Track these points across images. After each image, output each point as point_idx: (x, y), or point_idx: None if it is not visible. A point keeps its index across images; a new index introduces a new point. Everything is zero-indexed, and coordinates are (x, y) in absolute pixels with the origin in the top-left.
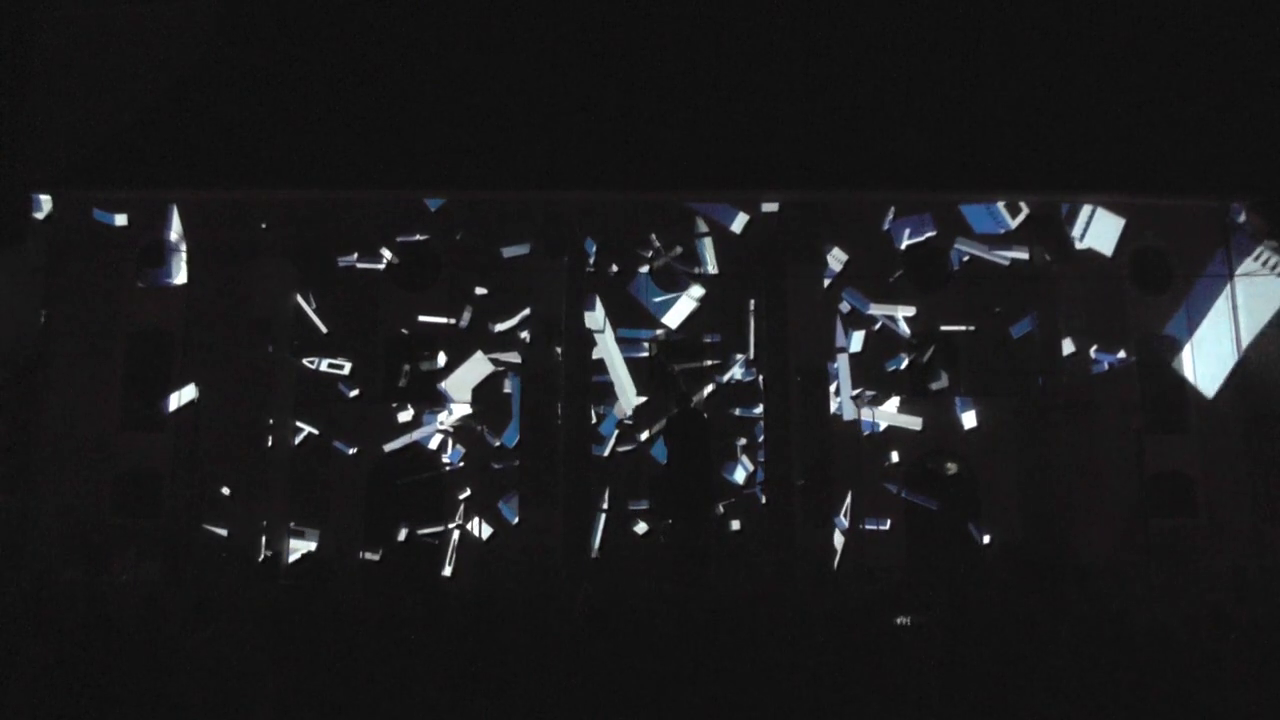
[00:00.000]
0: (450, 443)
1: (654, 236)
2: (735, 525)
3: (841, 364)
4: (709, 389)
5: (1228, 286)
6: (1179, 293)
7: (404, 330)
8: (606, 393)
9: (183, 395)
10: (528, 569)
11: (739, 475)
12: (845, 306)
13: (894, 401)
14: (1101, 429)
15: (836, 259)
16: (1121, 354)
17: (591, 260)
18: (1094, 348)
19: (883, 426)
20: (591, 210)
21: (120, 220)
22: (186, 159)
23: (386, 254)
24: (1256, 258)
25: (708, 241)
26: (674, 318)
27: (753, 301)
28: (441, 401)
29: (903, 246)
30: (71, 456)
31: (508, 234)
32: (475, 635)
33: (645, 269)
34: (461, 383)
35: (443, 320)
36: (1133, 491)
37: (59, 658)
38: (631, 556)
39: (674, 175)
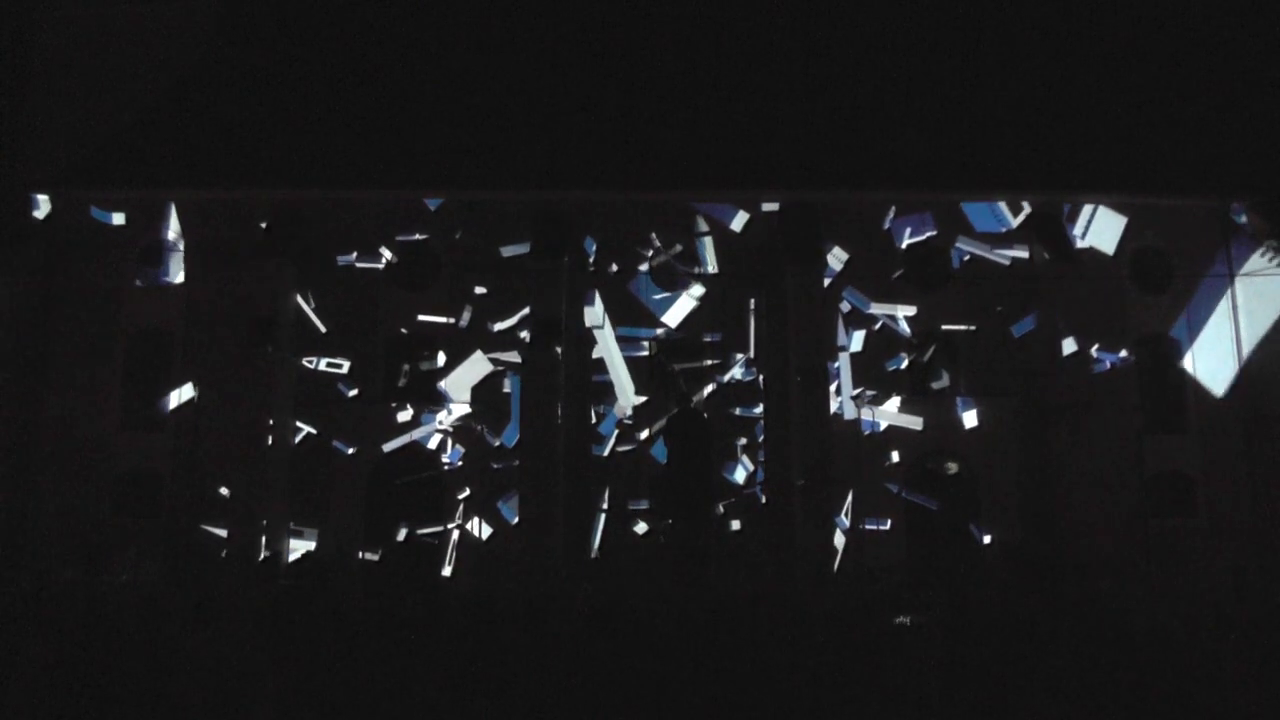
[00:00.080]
0: (450, 442)
1: (654, 236)
2: (735, 525)
3: (843, 363)
4: (709, 389)
5: (1229, 286)
6: (1179, 293)
7: (403, 330)
8: (606, 392)
9: (181, 395)
10: (528, 569)
11: (739, 475)
12: (845, 306)
13: (895, 401)
14: (1101, 429)
15: (837, 258)
16: (1123, 353)
17: (591, 260)
18: (1095, 347)
19: (883, 426)
20: (591, 210)
21: (118, 219)
22: (186, 159)
23: (386, 253)
24: (1263, 254)
25: (708, 240)
26: (674, 316)
27: (753, 301)
28: (441, 401)
29: (903, 245)
30: (71, 456)
31: (507, 233)
32: (475, 635)
33: (645, 267)
34: (461, 382)
35: (442, 320)
36: (1133, 491)
37: (59, 658)
38: (631, 556)
39: (674, 175)
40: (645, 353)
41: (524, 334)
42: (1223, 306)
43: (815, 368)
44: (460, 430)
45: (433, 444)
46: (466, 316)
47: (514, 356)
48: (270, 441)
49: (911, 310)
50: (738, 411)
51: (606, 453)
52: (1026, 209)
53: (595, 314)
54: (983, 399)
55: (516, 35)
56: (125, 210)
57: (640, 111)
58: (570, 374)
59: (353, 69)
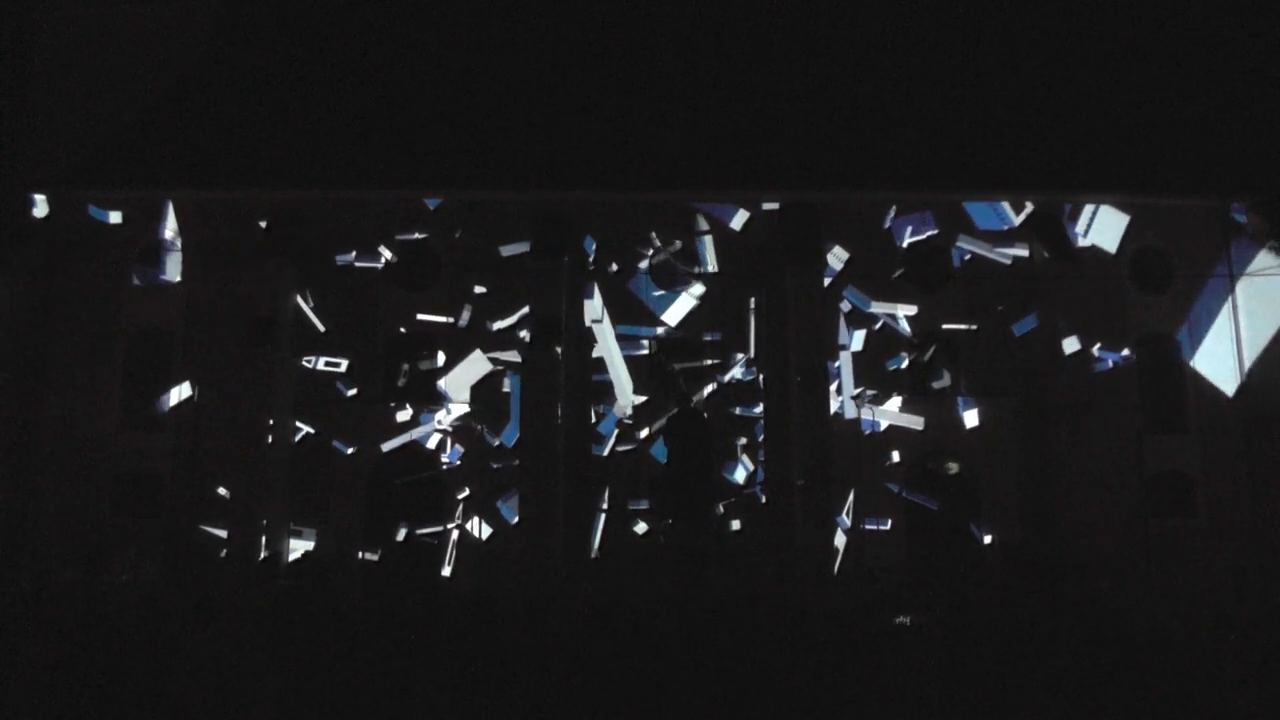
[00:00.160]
0: (449, 442)
1: (654, 235)
2: (735, 525)
3: (843, 363)
4: (709, 388)
5: (1229, 286)
6: (1179, 293)
7: (403, 329)
8: (606, 392)
9: (181, 395)
10: (528, 569)
11: (739, 475)
12: (846, 305)
13: (895, 401)
14: (1101, 429)
15: (837, 257)
16: (1125, 351)
17: (591, 259)
18: (1097, 346)
19: (884, 426)
20: (591, 210)
21: (115, 218)
22: (186, 159)
23: (385, 253)
24: (1269, 253)
25: (708, 239)
26: (674, 315)
27: (753, 300)
28: (440, 401)
29: (904, 245)
30: (71, 456)
31: (507, 233)
32: (475, 635)
33: (645, 264)
34: (460, 382)
35: (442, 319)
36: (1133, 491)
37: (59, 658)
38: (631, 556)
39: (674, 175)
40: (645, 351)
41: (524, 333)
42: (1224, 307)
43: (815, 367)
44: (460, 430)
45: (432, 444)
46: (466, 316)
47: (514, 356)
48: (270, 441)
49: (912, 310)
50: (738, 411)
51: (606, 453)
52: (1029, 206)
53: (594, 307)
54: (983, 399)
55: (516, 35)
56: (124, 209)
57: (640, 111)
58: (570, 374)
59: (353, 69)
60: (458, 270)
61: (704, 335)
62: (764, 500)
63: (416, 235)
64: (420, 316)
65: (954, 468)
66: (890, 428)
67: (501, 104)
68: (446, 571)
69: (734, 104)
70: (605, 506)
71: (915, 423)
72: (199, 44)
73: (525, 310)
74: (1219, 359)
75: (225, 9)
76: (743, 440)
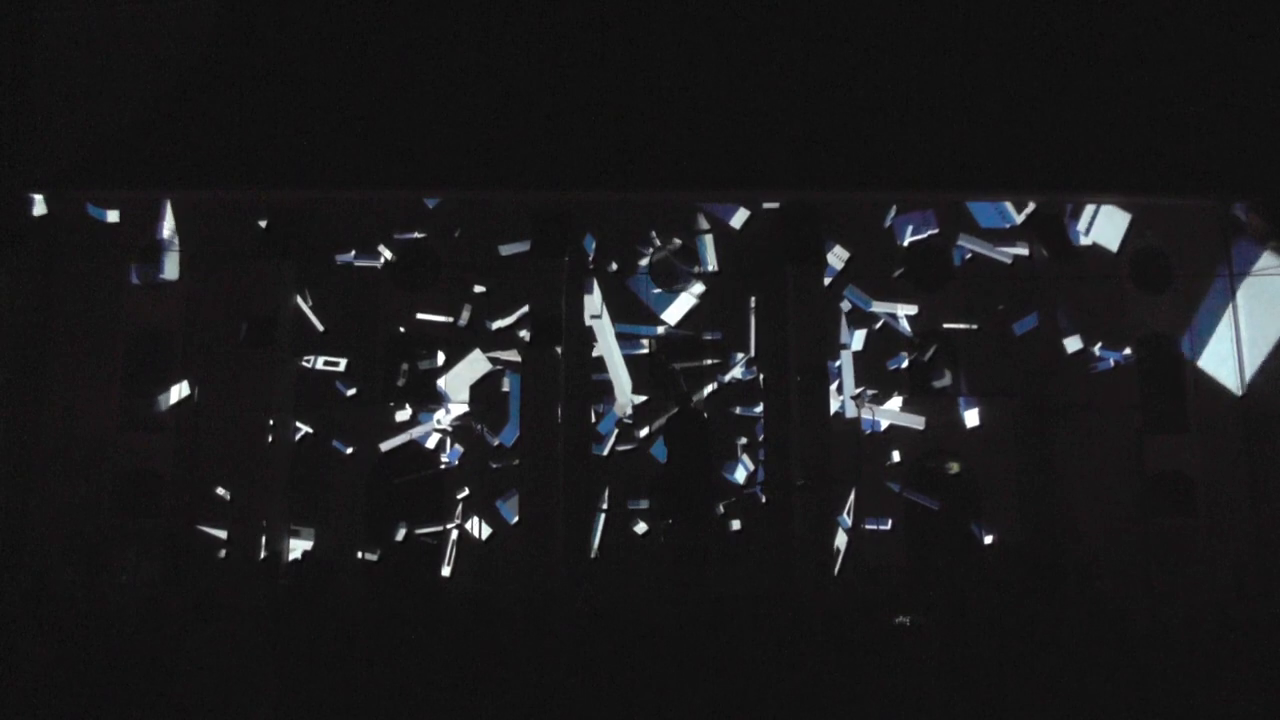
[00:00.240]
0: (449, 442)
1: (654, 234)
2: (735, 525)
3: (844, 362)
4: (709, 388)
5: (1229, 287)
6: (1179, 293)
7: (402, 329)
8: (606, 391)
9: (179, 393)
10: (528, 569)
11: (739, 475)
12: (846, 305)
13: (896, 401)
14: (1101, 429)
15: (838, 256)
16: (1127, 350)
17: (591, 258)
18: (1098, 345)
19: (884, 426)
20: (591, 209)
21: (112, 216)
22: (186, 159)
23: (385, 252)
24: (1271, 250)
25: (708, 239)
26: (674, 314)
27: (753, 299)
28: (440, 400)
29: (905, 244)
30: (71, 456)
31: (507, 232)
32: (475, 635)
33: (645, 262)
34: (459, 381)
35: (441, 319)
36: (1133, 491)
37: (59, 658)
38: (631, 556)
39: (674, 175)
40: (645, 351)
41: (523, 333)
42: (1224, 306)
43: (816, 367)
44: (459, 430)
45: (431, 444)
46: (466, 316)
47: (513, 356)
48: (270, 441)
49: (913, 309)
50: (738, 411)
51: (606, 452)
52: (1031, 205)
53: (594, 302)
54: (984, 398)
55: (516, 35)
56: (123, 208)
57: (640, 111)
58: (570, 373)
59: (353, 69)
60: (457, 270)
61: (704, 334)
62: (764, 500)
63: (416, 235)
64: (420, 316)
65: (954, 468)
66: (891, 427)
67: (501, 104)
68: (446, 571)
69: (734, 104)
70: (605, 506)
71: (916, 422)
72: (199, 44)
73: (525, 310)
74: (1220, 359)
75: (225, 9)
76: (743, 440)
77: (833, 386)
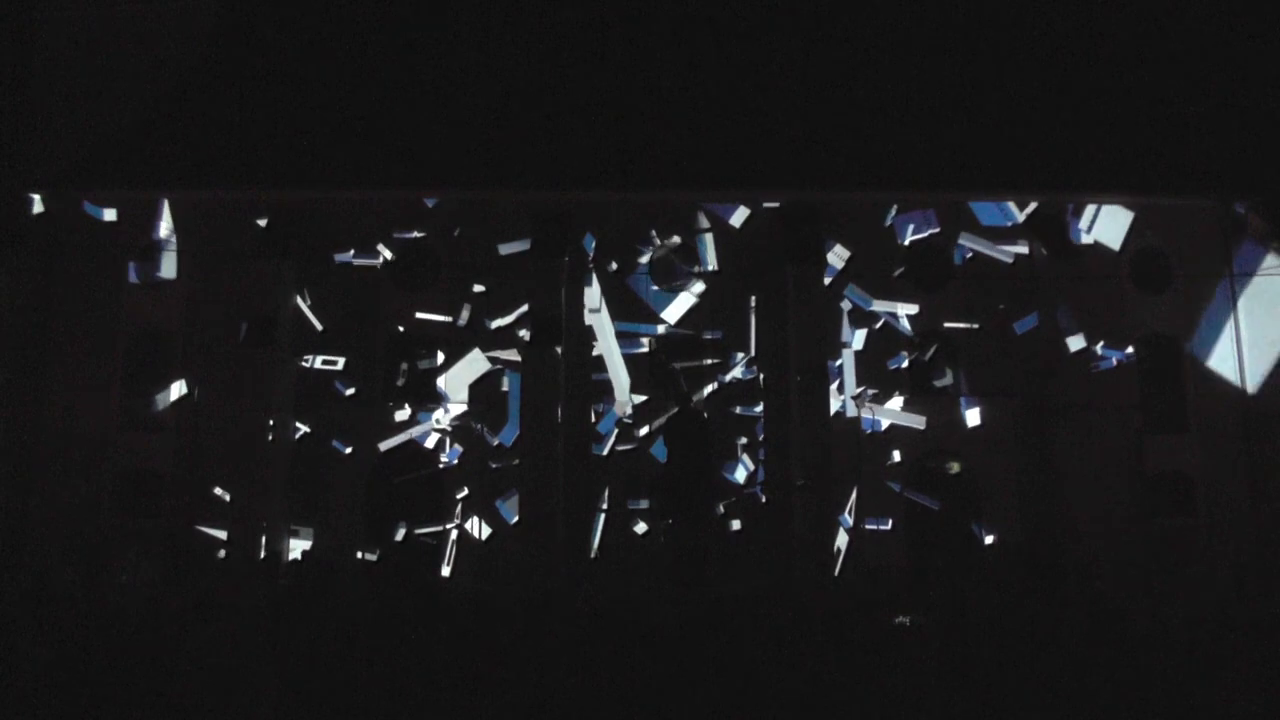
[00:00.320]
0: (448, 442)
1: (654, 233)
2: (735, 525)
3: (845, 361)
4: (709, 387)
5: (1230, 286)
6: (1180, 293)
7: (401, 328)
8: (606, 391)
9: (179, 393)
10: (528, 569)
11: (739, 475)
12: (847, 304)
13: (897, 400)
14: (1101, 429)
15: (838, 256)
16: (1129, 350)
17: (591, 258)
18: (1100, 345)
19: (884, 425)
20: (592, 208)
21: (109, 215)
22: (186, 159)
23: (384, 252)
24: (1272, 250)
25: (708, 238)
26: (673, 312)
27: (754, 299)
28: (439, 400)
29: (905, 243)
30: (71, 456)
31: (506, 231)
32: (475, 635)
33: (645, 260)
34: (459, 381)
35: (441, 318)
36: (1133, 491)
37: (59, 658)
38: (631, 556)
39: (674, 175)
40: (645, 350)
41: (523, 333)
42: (1225, 307)
43: (816, 367)
44: (459, 429)
45: (431, 443)
46: (465, 315)
47: (513, 355)
48: (270, 441)
49: (913, 308)
50: (738, 410)
51: (606, 452)
52: (1033, 204)
53: (593, 297)
54: (985, 398)
55: (516, 35)
56: (122, 208)
57: (640, 111)
58: (570, 373)
59: (353, 69)
60: (457, 269)
61: (704, 334)
62: (764, 500)
63: (416, 234)
64: (419, 315)
65: (955, 467)
66: (891, 427)
67: (501, 104)
68: (446, 571)
69: (734, 104)
70: (605, 506)
71: (916, 422)
72: (199, 44)
73: (525, 309)
74: (1220, 359)
75: (225, 9)
76: (743, 440)
77: (833, 386)
